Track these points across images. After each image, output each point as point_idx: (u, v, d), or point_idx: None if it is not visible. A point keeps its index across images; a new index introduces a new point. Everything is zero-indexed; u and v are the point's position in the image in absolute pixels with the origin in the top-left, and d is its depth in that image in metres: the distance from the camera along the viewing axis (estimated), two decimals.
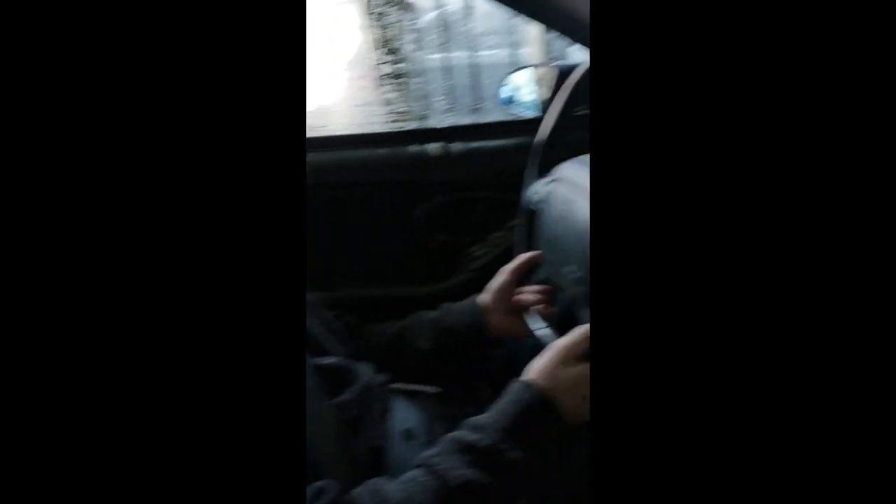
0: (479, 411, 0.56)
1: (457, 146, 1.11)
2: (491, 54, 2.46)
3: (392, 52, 2.02)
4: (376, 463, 0.63)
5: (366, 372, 0.71)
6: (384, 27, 1.99)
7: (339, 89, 2.23)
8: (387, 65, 2.03)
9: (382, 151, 1.15)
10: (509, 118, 1.12)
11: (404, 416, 0.72)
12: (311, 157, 1.18)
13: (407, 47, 2.06)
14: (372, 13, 1.98)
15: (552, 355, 0.56)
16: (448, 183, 1.13)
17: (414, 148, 1.14)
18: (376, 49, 2.01)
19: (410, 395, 0.80)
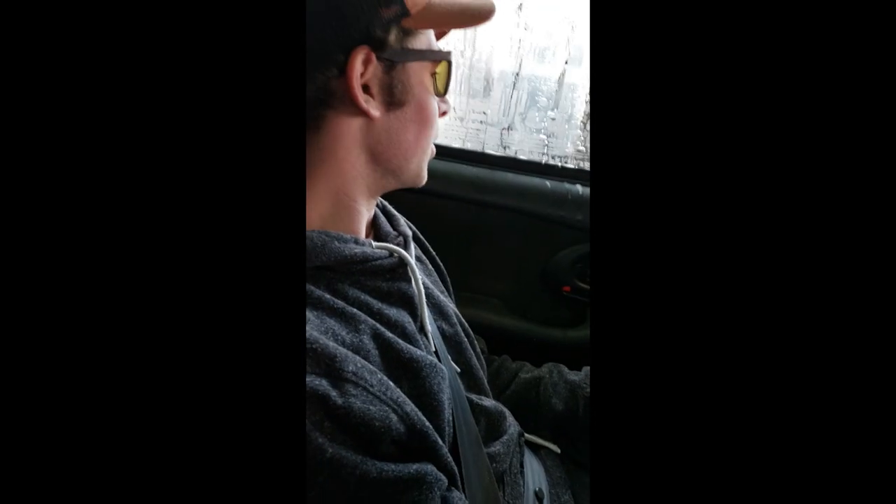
0: None
1: None
2: None
3: None
4: None
5: (511, 420, 0.67)
6: None
7: None
8: None
9: (531, 181, 1.14)
10: None
11: (534, 474, 0.70)
12: (464, 170, 1.17)
13: None
14: None
15: None
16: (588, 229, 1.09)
17: (555, 184, 1.13)
18: None
19: (534, 449, 0.77)
